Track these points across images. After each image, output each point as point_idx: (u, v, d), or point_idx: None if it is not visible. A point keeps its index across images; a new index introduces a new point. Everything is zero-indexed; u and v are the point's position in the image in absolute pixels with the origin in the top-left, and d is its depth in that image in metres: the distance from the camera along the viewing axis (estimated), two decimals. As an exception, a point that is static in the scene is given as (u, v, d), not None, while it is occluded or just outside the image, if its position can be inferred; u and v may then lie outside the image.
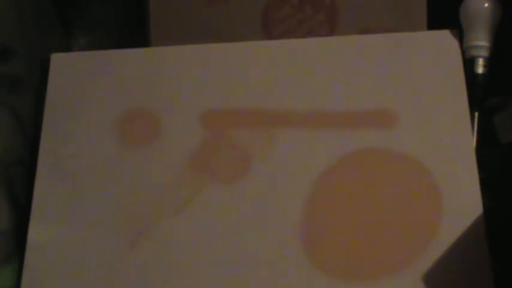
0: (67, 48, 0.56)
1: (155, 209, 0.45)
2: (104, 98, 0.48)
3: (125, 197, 0.45)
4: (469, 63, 0.45)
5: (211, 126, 0.46)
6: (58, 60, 0.49)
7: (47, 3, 0.53)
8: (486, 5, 0.45)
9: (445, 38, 0.46)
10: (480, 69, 0.45)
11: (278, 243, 0.43)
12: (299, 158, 0.45)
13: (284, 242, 0.43)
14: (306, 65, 0.47)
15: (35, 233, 0.45)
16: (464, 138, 0.44)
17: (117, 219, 0.45)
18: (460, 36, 0.46)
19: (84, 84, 0.48)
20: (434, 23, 0.47)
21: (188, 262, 0.43)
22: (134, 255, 0.44)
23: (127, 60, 0.48)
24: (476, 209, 0.42)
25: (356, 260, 0.42)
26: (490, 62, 0.45)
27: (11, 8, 0.47)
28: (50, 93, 0.48)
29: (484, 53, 0.45)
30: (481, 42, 0.45)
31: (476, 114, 0.45)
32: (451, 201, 0.42)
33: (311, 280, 0.42)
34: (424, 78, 0.45)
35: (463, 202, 0.42)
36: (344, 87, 0.46)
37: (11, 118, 0.46)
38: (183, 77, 0.48)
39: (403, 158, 0.44)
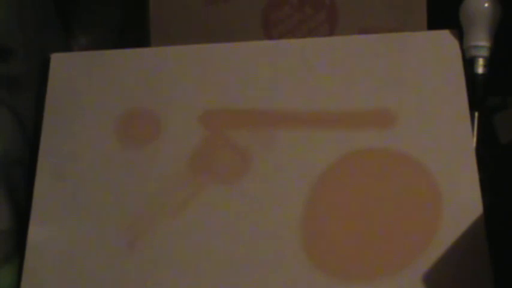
0: (67, 48, 0.56)
1: (155, 209, 0.45)
2: (104, 97, 0.48)
3: (124, 196, 0.45)
4: (469, 63, 0.45)
5: (211, 126, 0.46)
6: (58, 60, 0.49)
7: (47, 3, 0.53)
8: (486, 5, 0.45)
9: (445, 38, 0.46)
10: (480, 69, 0.45)
11: (278, 243, 0.43)
12: (299, 158, 0.44)
13: (284, 242, 0.43)
14: (306, 65, 0.47)
15: (35, 233, 0.45)
16: (464, 138, 0.44)
17: (117, 219, 0.45)
18: (460, 36, 0.46)
19: (84, 84, 0.48)
20: (434, 23, 0.47)
21: (188, 262, 0.43)
22: (134, 255, 0.44)
23: (127, 60, 0.48)
24: (476, 209, 0.42)
25: (356, 260, 0.42)
26: (490, 62, 0.45)
27: (11, 7, 0.47)
28: (50, 93, 0.48)
29: (484, 53, 0.45)
30: (481, 42, 0.45)
31: (476, 114, 0.45)
32: (451, 201, 0.42)
33: (311, 280, 0.42)
34: (424, 78, 0.45)
35: (463, 202, 0.42)
36: (344, 87, 0.46)
37: (11, 118, 0.46)
38: (183, 77, 0.48)
39: (403, 158, 0.44)
